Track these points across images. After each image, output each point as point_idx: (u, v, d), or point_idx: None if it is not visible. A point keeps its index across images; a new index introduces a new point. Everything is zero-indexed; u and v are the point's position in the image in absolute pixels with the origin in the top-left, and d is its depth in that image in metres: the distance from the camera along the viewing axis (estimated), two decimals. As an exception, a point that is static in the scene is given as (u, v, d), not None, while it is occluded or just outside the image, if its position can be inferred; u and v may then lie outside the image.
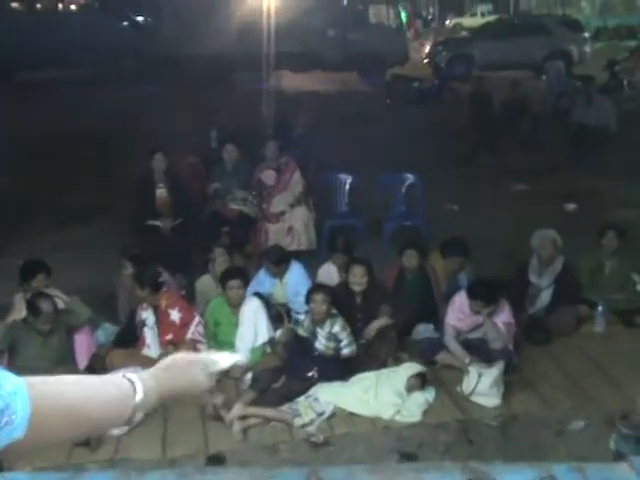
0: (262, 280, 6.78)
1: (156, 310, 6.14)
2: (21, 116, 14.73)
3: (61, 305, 5.89)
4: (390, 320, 6.07)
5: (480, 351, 6.00)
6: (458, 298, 6.20)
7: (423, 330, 6.48)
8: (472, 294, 6.00)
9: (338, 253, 6.85)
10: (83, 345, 6.00)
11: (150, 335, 6.16)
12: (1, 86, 18.37)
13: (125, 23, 21.54)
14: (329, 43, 20.77)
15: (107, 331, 6.58)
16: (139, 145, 10.56)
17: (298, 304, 6.49)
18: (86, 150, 12.43)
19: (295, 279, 6.73)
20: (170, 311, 6.10)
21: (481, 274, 6.74)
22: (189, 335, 6.06)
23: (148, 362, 5.88)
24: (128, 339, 6.22)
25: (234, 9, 20.65)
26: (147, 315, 6.17)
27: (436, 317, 6.53)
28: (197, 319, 6.13)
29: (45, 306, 5.59)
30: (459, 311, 6.14)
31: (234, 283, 6.09)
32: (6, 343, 5.70)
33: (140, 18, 22.48)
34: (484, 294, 5.96)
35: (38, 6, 21.93)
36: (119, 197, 9.61)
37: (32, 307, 5.63)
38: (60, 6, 22.44)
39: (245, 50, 17.65)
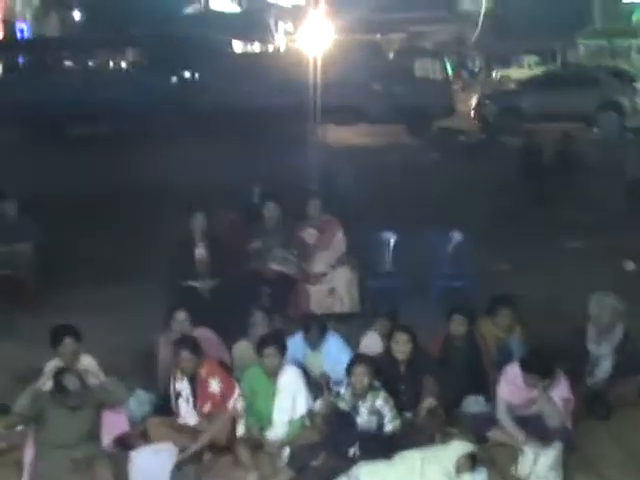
0: (298, 346, 6.47)
1: (192, 380, 5.90)
2: (69, 171, 14.76)
3: (94, 381, 5.62)
4: (437, 400, 5.80)
5: (536, 428, 5.61)
6: (510, 369, 5.82)
7: (473, 403, 6.14)
8: (526, 366, 5.64)
9: (381, 319, 6.59)
10: (111, 421, 5.71)
11: (184, 407, 5.91)
12: (53, 141, 18.52)
13: (174, 79, 21.70)
14: (374, 96, 20.67)
15: (140, 399, 6.28)
16: (183, 201, 10.42)
17: (337, 374, 6.18)
18: (130, 206, 12.35)
19: (334, 350, 6.43)
20: (211, 381, 5.86)
21: (534, 340, 6.41)
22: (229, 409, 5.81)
23: (185, 430, 5.66)
24: (167, 409, 5.99)
25: (280, 63, 20.77)
26: (182, 386, 5.93)
27: (487, 389, 6.16)
28: (237, 392, 5.88)
29: (71, 384, 5.33)
30: (512, 384, 5.76)
31: (270, 351, 5.82)
32: (33, 411, 5.43)
33: (188, 74, 22.65)
34: (539, 366, 5.61)
35: (90, 64, 22.20)
36: (160, 255, 9.40)
37: (58, 384, 5.37)
38: (111, 64, 22.67)
39: (290, 104, 17.59)
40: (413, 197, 12.55)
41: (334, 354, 6.37)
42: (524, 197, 12.40)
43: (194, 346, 5.91)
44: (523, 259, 9.52)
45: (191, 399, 5.89)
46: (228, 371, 6.16)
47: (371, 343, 6.51)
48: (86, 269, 9.73)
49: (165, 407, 6.01)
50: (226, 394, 5.84)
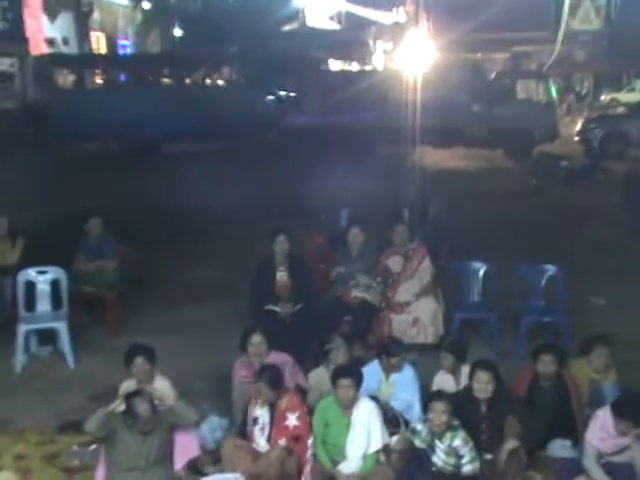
0: (372, 373, 6.42)
1: (272, 408, 5.91)
2: (161, 188, 15.13)
3: (168, 403, 5.67)
4: (520, 442, 5.60)
5: (625, 478, 5.41)
6: (602, 414, 5.62)
7: (559, 447, 5.96)
8: (618, 412, 5.44)
9: (445, 353, 6.46)
10: (183, 445, 5.75)
11: (258, 435, 5.92)
12: (147, 160, 19.04)
13: (270, 97, 22.02)
14: (473, 118, 20.42)
15: (213, 425, 6.31)
16: (269, 221, 10.54)
17: (401, 407, 6.19)
18: (218, 223, 12.59)
19: (404, 381, 6.39)
20: (289, 415, 5.87)
21: (629, 384, 6.20)
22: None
23: (258, 457, 5.69)
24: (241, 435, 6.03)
25: (378, 81, 20.77)
26: (261, 413, 5.94)
27: (574, 433, 5.96)
28: (311, 440, 5.85)
29: (142, 410, 5.39)
30: (602, 430, 5.55)
31: (345, 382, 5.73)
32: (104, 433, 5.49)
33: (284, 93, 22.94)
34: (632, 413, 5.40)
35: (187, 81, 22.68)
36: (243, 277, 9.51)
37: (129, 408, 5.43)
38: (208, 81, 23.10)
39: (386, 124, 17.59)
40: (509, 225, 12.35)
41: (404, 385, 6.33)
42: (627, 227, 11.96)
43: (274, 380, 5.91)
44: (621, 294, 9.18)
45: (267, 428, 5.89)
46: (304, 402, 6.13)
47: (444, 379, 6.42)
48: (169, 289, 9.93)
49: (240, 432, 6.03)
50: (300, 432, 5.84)
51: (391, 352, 6.42)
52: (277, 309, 7.65)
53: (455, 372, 6.33)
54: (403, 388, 6.33)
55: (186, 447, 5.78)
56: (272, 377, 5.92)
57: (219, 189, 14.58)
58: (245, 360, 6.52)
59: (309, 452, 5.81)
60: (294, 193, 13.59)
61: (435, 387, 6.29)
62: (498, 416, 5.73)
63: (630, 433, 5.39)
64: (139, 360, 5.93)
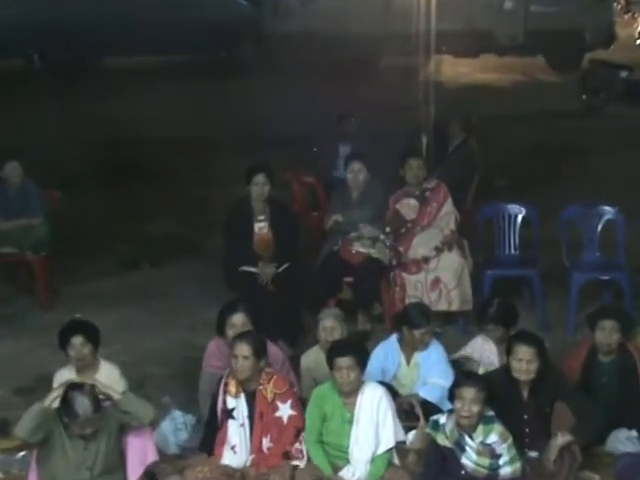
0: (388, 354, 6.46)
1: (250, 398, 5.87)
2: (99, 115, 14.99)
3: (116, 397, 5.62)
4: (573, 436, 5.62)
5: None
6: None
7: (623, 440, 6.03)
8: None
9: (492, 323, 6.51)
10: (138, 450, 5.69)
11: (236, 433, 5.88)
12: (82, 79, 18.79)
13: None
14: (505, 19, 20.25)
15: (176, 422, 6.31)
16: (244, 158, 10.48)
17: (435, 396, 6.18)
18: (173, 161, 12.59)
19: (433, 361, 6.39)
20: (280, 405, 5.86)
21: None
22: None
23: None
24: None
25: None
26: (237, 404, 5.89)
27: (642, 422, 6.06)
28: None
29: (81, 408, 5.30)
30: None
31: (344, 362, 5.71)
32: (40, 436, 5.44)
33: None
34: None
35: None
36: (209, 230, 9.54)
37: (66, 405, 5.35)
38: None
39: (393, 29, 17.40)
40: (553, 156, 12.32)
41: (433, 368, 6.34)
42: None
43: (257, 344, 5.85)
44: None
45: (247, 425, 5.87)
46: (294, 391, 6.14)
47: (482, 355, 6.46)
48: (114, 247, 9.91)
49: (210, 435, 5.99)
50: (295, 425, 5.84)
51: (415, 322, 6.40)
52: (256, 271, 7.64)
53: (501, 341, 6.36)
54: (432, 371, 6.33)
55: (141, 453, 5.72)
56: (261, 344, 5.90)
57: (178, 116, 14.45)
58: (221, 345, 6.45)
59: (300, 448, 5.84)
60: (276, 120, 13.47)
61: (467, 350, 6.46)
62: (544, 403, 5.76)
63: None
64: (77, 340, 5.88)
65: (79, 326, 6.01)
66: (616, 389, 6.18)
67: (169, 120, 14.19)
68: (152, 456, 5.77)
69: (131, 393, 5.79)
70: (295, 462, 5.78)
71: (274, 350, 6.47)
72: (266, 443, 5.82)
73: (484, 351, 6.56)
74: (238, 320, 6.38)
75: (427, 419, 5.94)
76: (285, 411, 5.85)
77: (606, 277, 8.01)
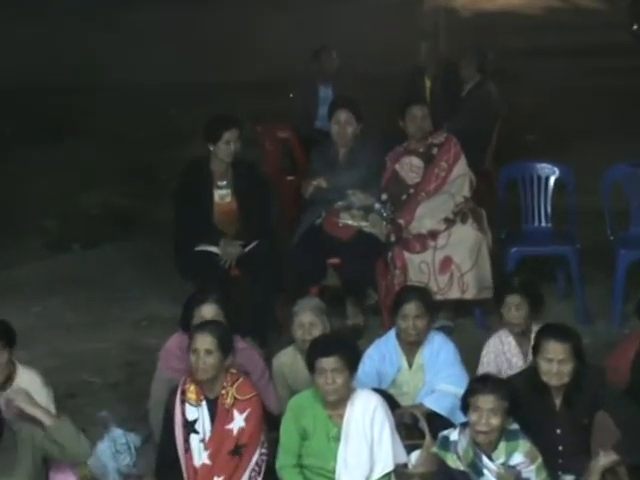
0: (385, 354, 6.50)
1: (212, 405, 5.92)
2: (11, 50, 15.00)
3: (48, 421, 5.56)
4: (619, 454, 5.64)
5: None
6: None
7: None
8: None
9: (514, 295, 6.46)
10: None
11: (198, 451, 5.90)
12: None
13: None
14: None
15: (116, 443, 6.31)
16: (200, 106, 10.52)
17: (446, 408, 6.20)
18: (107, 110, 12.58)
19: (441, 361, 6.42)
20: (236, 414, 5.89)
21: None
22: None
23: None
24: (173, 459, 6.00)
25: None
26: (198, 414, 5.93)
27: None
28: (262, 449, 5.92)
29: None
30: None
31: (329, 363, 5.70)
32: None
33: None
34: None
35: None
36: (156, 200, 9.55)
37: None
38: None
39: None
40: (594, 101, 12.46)
41: (442, 368, 6.38)
42: None
43: (223, 336, 5.89)
44: None
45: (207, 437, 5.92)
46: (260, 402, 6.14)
47: (503, 349, 6.49)
48: (37, 224, 9.97)
49: (166, 459, 6.02)
50: (248, 439, 5.84)
51: (395, 302, 6.46)
52: (216, 250, 7.69)
53: (525, 335, 6.38)
54: (441, 375, 6.36)
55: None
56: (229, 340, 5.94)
57: (112, 50, 14.50)
58: (184, 343, 6.34)
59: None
60: (237, 60, 13.53)
61: (487, 363, 6.40)
62: (582, 414, 5.78)
63: None
64: None
65: None
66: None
67: (104, 59, 14.22)
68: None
69: (68, 420, 5.76)
70: None
71: (251, 355, 6.55)
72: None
73: (504, 353, 6.53)
74: (208, 312, 6.41)
75: (434, 435, 5.94)
76: (238, 423, 5.86)
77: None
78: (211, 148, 7.83)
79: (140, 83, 13.44)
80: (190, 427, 5.92)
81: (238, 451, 5.84)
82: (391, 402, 6.09)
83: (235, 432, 5.85)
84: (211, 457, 5.85)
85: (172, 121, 11.19)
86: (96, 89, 13.25)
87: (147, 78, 13.60)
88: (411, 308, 6.35)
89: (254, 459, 5.87)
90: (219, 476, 5.81)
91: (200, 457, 5.88)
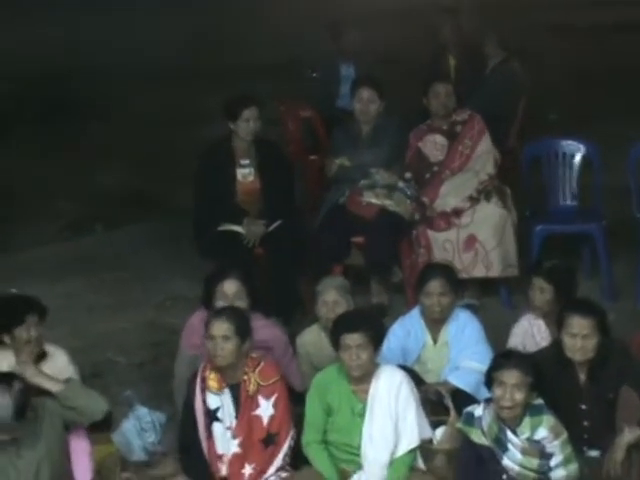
0: (409, 331, 6.57)
1: (235, 392, 5.97)
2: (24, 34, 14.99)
3: (54, 388, 5.64)
4: None
5: None
6: None
7: None
8: None
9: (541, 278, 6.48)
10: (84, 458, 5.77)
11: (225, 439, 5.97)
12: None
13: None
14: None
15: (141, 421, 6.39)
16: (217, 88, 10.53)
17: (470, 384, 6.25)
18: (121, 92, 12.61)
19: (466, 338, 6.47)
20: (261, 400, 5.94)
21: None
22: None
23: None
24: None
25: None
26: (220, 401, 5.99)
27: None
28: (292, 432, 5.98)
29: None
30: None
31: (354, 339, 5.77)
32: None
33: None
34: None
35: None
36: (175, 182, 9.64)
37: None
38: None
39: None
40: (622, 80, 12.29)
41: (467, 345, 6.44)
42: None
43: (240, 322, 5.92)
44: None
45: (235, 424, 5.97)
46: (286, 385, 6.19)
47: (532, 332, 6.50)
48: (53, 206, 10.02)
49: (185, 439, 6.10)
50: (278, 425, 5.91)
51: (420, 279, 6.53)
52: (240, 229, 7.72)
53: (552, 318, 6.34)
54: (465, 352, 6.41)
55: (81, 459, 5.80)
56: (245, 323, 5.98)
57: (133, 38, 14.50)
58: (204, 319, 6.34)
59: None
60: (256, 41, 13.50)
61: (514, 344, 6.41)
62: (607, 389, 5.79)
63: None
64: (30, 319, 5.87)
65: (25, 303, 5.98)
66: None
67: (122, 42, 14.19)
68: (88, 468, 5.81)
69: (76, 381, 5.83)
70: None
71: (273, 331, 6.62)
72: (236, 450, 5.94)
73: (532, 336, 6.53)
74: (230, 288, 6.48)
75: (459, 412, 5.97)
76: (267, 410, 5.91)
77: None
78: (232, 127, 7.87)
79: (164, 63, 13.45)
80: (212, 415, 5.97)
81: (272, 440, 5.92)
82: (416, 379, 6.14)
83: (265, 420, 5.91)
84: (241, 445, 5.89)
85: (190, 103, 11.14)
86: (112, 71, 13.19)
87: (169, 60, 13.61)
88: (435, 285, 6.42)
89: (286, 444, 5.93)
90: (250, 464, 5.87)
91: (228, 446, 5.93)
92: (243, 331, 5.89)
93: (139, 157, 10.88)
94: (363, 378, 5.86)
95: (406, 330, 6.59)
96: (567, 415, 5.69)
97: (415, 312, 6.66)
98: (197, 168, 8.10)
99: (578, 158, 8.40)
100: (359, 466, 5.84)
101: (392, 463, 5.83)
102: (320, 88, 10.08)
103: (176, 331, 7.09)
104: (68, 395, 5.61)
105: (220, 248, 7.65)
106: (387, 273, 8.08)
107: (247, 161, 7.94)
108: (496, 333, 6.70)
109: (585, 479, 5.64)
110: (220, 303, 6.40)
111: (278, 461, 5.90)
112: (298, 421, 6.01)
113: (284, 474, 5.92)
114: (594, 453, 5.81)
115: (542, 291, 6.47)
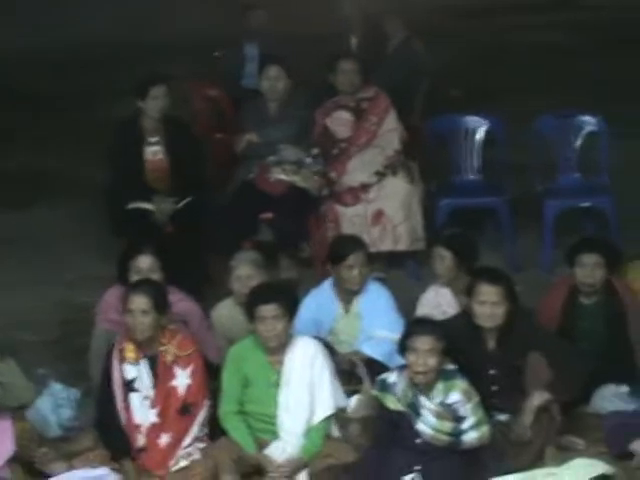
0: (321, 302, 6.68)
1: (153, 363, 6.05)
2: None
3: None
4: (551, 393, 5.83)
5: None
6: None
7: (610, 397, 6.25)
8: None
9: (441, 247, 6.64)
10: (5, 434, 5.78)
11: (142, 410, 6.03)
12: None
13: None
14: None
15: (56, 397, 6.42)
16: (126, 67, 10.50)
17: (382, 353, 6.38)
18: (29, 73, 12.55)
19: (377, 307, 6.60)
20: (178, 370, 6.02)
21: None
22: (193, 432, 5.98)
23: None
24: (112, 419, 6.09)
25: None
26: (137, 372, 6.06)
27: (634, 373, 6.30)
28: (208, 402, 6.07)
29: None
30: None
31: (269, 310, 5.87)
32: None
33: None
34: None
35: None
36: (85, 161, 9.65)
37: None
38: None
39: None
40: (523, 54, 12.61)
41: (377, 315, 6.56)
42: None
43: (158, 295, 6.03)
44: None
45: (153, 395, 6.03)
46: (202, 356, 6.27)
47: (437, 304, 6.61)
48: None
49: (103, 412, 6.14)
50: (194, 397, 5.99)
51: (338, 254, 6.59)
52: (149, 207, 7.77)
53: (456, 284, 6.54)
54: (377, 322, 6.53)
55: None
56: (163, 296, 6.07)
57: (34, 20, 14.37)
58: (120, 295, 6.47)
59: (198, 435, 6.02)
60: (160, 20, 13.46)
61: (423, 309, 6.54)
62: (515, 355, 5.92)
63: None
64: None
65: None
66: (601, 336, 6.40)
67: (23, 23, 14.06)
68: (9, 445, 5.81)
69: (10, 360, 5.92)
70: (182, 462, 5.94)
71: (189, 304, 6.70)
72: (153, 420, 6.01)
73: (439, 306, 6.62)
74: (144, 263, 6.58)
75: (373, 381, 6.08)
76: (183, 380, 5.97)
77: (587, 204, 8.20)
78: (140, 105, 7.90)
79: (69, 44, 13.35)
80: (129, 386, 6.02)
81: (188, 410, 5.99)
82: (329, 349, 6.23)
83: (181, 390, 5.98)
84: (159, 415, 5.97)
85: (100, 80, 11.09)
86: (24, 51, 13.09)
87: (74, 40, 13.50)
88: (357, 257, 6.53)
89: (202, 414, 6.01)
90: (167, 433, 5.93)
91: (147, 416, 5.99)
92: (161, 305, 5.99)
93: (46, 137, 10.84)
94: (278, 349, 5.95)
95: (318, 302, 6.69)
96: (478, 380, 5.77)
97: (326, 284, 6.75)
98: (108, 147, 8.10)
99: (481, 133, 8.52)
100: (276, 435, 5.92)
101: (308, 432, 5.91)
102: (224, 67, 10.13)
103: (87, 309, 7.18)
104: (2, 370, 5.69)
105: (131, 226, 7.67)
106: (296, 248, 8.14)
107: (156, 139, 7.98)
108: (404, 305, 6.79)
109: (496, 441, 5.72)
110: (135, 278, 6.47)
111: (194, 431, 5.97)
112: (215, 394, 6.07)
113: (201, 444, 5.98)
114: (503, 417, 5.93)
115: (442, 259, 6.60)
